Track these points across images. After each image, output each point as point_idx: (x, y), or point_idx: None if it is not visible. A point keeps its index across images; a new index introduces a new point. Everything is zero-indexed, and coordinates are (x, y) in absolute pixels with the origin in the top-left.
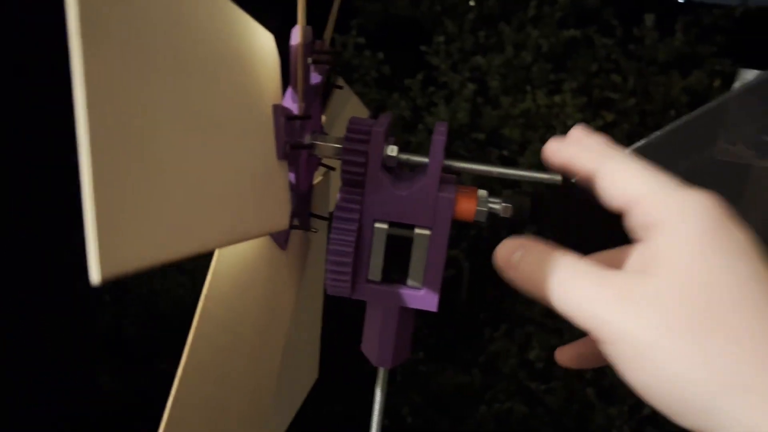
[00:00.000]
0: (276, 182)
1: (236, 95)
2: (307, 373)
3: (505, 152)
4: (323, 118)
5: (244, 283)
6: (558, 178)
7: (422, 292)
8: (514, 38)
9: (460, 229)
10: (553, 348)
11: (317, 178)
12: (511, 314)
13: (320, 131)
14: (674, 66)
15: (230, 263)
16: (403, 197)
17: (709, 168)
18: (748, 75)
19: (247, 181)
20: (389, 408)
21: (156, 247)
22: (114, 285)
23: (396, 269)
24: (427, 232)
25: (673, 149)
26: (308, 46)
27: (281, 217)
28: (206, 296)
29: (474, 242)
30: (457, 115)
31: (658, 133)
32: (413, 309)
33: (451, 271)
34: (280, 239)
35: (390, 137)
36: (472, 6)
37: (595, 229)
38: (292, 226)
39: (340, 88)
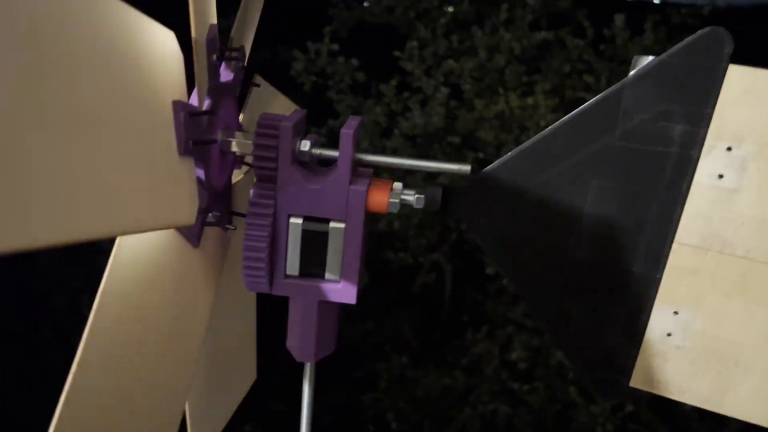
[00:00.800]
0: (177, 177)
1: (128, 93)
2: (245, 372)
3: (481, 154)
4: (241, 115)
5: (147, 279)
6: (466, 168)
7: (341, 285)
8: (487, 42)
9: (441, 232)
10: (535, 348)
11: (239, 176)
12: (492, 316)
13: (236, 128)
14: None
15: (131, 258)
16: (316, 191)
17: (611, 154)
18: (643, 62)
19: (141, 174)
20: (374, 415)
21: (38, 232)
22: None
23: (314, 263)
24: (341, 225)
25: (575, 137)
26: (212, 43)
27: (185, 213)
28: (103, 291)
29: (456, 245)
30: (433, 119)
31: (556, 124)
32: (335, 303)
33: (433, 274)
34: (191, 236)
35: (303, 132)
36: (448, 12)
37: (504, 216)
38: (204, 223)
39: (257, 86)
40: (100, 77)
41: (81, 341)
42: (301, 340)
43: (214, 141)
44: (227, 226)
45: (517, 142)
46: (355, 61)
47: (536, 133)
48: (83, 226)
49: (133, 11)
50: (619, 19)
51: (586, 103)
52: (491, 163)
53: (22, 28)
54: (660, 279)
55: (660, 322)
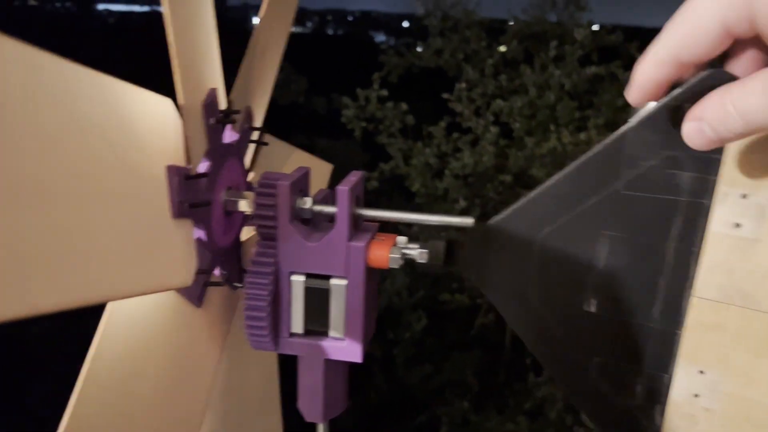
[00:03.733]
0: (172, 240)
1: (121, 162)
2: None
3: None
4: (251, 174)
5: (141, 342)
6: (469, 221)
7: (345, 343)
8: (537, 79)
9: None
10: None
11: (249, 234)
12: None
13: (243, 187)
14: None
15: (125, 322)
16: (316, 248)
17: (619, 203)
18: (644, 106)
19: (134, 239)
20: None
21: (30, 298)
22: None
23: (318, 321)
24: (343, 282)
25: (580, 186)
26: (210, 108)
27: (181, 275)
28: (93, 357)
29: None
30: (483, 159)
31: (558, 174)
32: (342, 361)
33: (492, 315)
34: (192, 296)
35: (306, 189)
36: (500, 51)
37: (512, 269)
38: (207, 284)
39: (266, 144)
40: (92, 150)
41: (67, 409)
42: (309, 399)
43: (209, 203)
44: (235, 284)
45: None
46: (404, 105)
47: None
48: (75, 292)
49: (125, 85)
50: None
51: (590, 151)
52: None
53: (13, 103)
54: (680, 335)
55: (685, 381)
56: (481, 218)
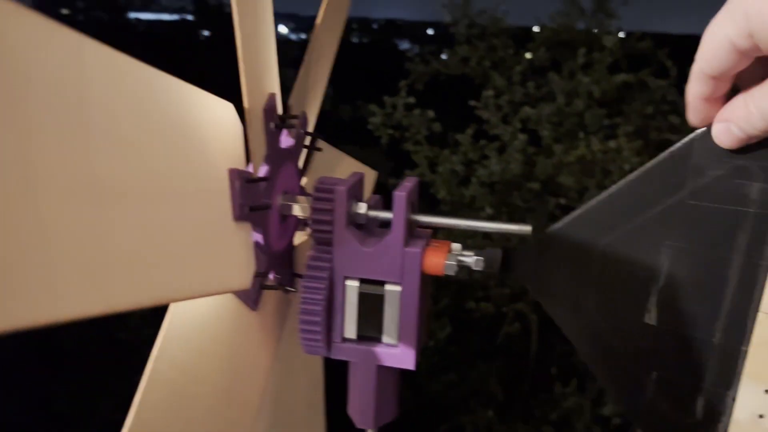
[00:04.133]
0: (233, 242)
1: (183, 165)
2: None
3: (562, 200)
4: (305, 179)
5: (201, 344)
6: (527, 229)
7: (398, 349)
8: (565, 86)
9: None
10: None
11: (302, 238)
12: (581, 368)
13: (297, 192)
14: None
15: (186, 323)
16: (371, 254)
17: (683, 213)
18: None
19: (196, 241)
20: None
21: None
22: None
23: (371, 326)
24: (397, 288)
25: (643, 195)
26: (270, 112)
27: (241, 277)
28: (157, 357)
29: None
30: (510, 166)
31: (622, 181)
32: (394, 368)
33: (517, 324)
34: (248, 299)
35: (361, 194)
36: (528, 58)
37: (569, 278)
38: (262, 287)
39: (319, 149)
40: (161, 151)
41: (131, 409)
42: (360, 405)
43: (269, 206)
44: (288, 288)
45: (600, 187)
46: (431, 113)
47: (620, 177)
48: (143, 292)
49: (191, 88)
50: None
51: (654, 160)
52: (574, 209)
53: (75, 106)
54: (746, 352)
55: (749, 401)
56: (538, 227)
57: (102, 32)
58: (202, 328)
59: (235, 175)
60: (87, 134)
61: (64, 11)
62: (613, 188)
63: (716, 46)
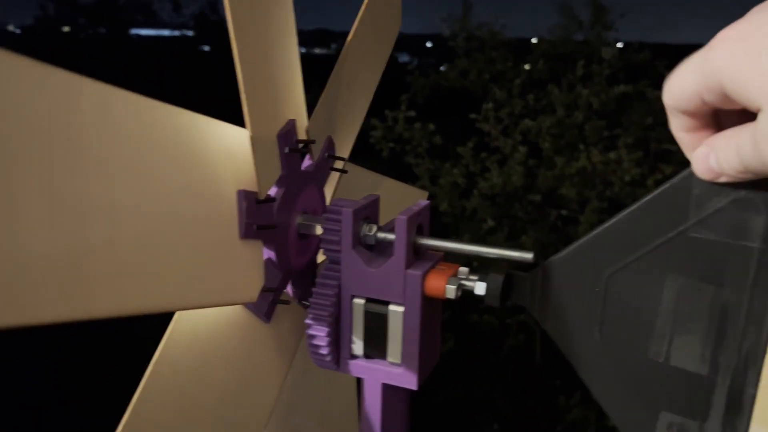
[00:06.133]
0: (239, 258)
1: (194, 187)
2: None
3: (564, 212)
4: (328, 199)
5: (205, 351)
6: (528, 256)
7: (401, 369)
8: (564, 99)
9: None
10: None
11: (323, 257)
12: None
13: (320, 212)
14: None
15: (190, 331)
16: (375, 274)
17: (686, 246)
18: None
19: (202, 256)
20: None
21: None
22: None
23: (376, 345)
24: (400, 308)
25: (645, 227)
26: (286, 137)
27: (246, 291)
28: (157, 360)
29: None
30: (512, 179)
31: (623, 212)
32: (400, 387)
33: (521, 336)
34: (260, 312)
35: (375, 216)
36: (526, 70)
37: (572, 308)
38: (276, 301)
39: (345, 172)
40: (162, 175)
41: (128, 407)
42: (369, 422)
43: (274, 226)
44: (305, 303)
45: (601, 198)
46: (431, 126)
47: (621, 188)
48: (147, 299)
49: (197, 117)
50: None
51: (656, 190)
52: (575, 220)
53: (87, 137)
54: (755, 395)
55: None
56: (540, 253)
57: (103, 48)
58: (208, 337)
59: (242, 196)
60: (82, 163)
61: (65, 29)
62: (615, 218)
63: (683, 92)
